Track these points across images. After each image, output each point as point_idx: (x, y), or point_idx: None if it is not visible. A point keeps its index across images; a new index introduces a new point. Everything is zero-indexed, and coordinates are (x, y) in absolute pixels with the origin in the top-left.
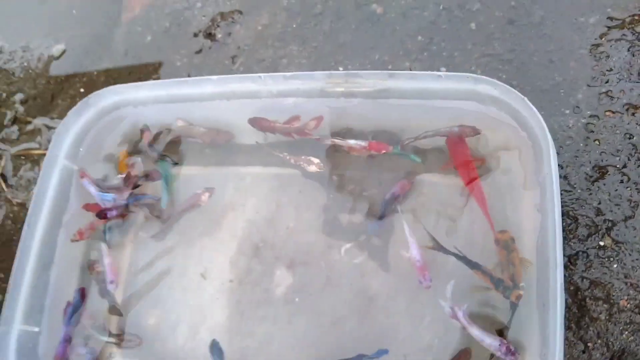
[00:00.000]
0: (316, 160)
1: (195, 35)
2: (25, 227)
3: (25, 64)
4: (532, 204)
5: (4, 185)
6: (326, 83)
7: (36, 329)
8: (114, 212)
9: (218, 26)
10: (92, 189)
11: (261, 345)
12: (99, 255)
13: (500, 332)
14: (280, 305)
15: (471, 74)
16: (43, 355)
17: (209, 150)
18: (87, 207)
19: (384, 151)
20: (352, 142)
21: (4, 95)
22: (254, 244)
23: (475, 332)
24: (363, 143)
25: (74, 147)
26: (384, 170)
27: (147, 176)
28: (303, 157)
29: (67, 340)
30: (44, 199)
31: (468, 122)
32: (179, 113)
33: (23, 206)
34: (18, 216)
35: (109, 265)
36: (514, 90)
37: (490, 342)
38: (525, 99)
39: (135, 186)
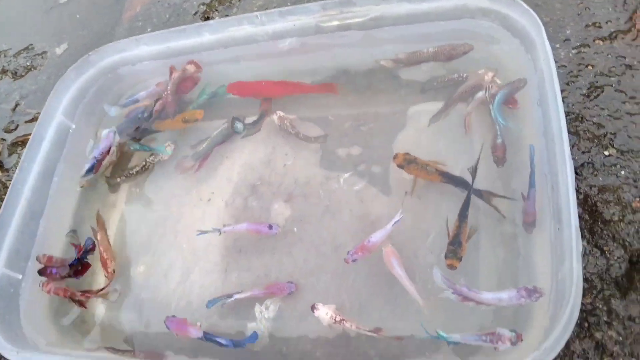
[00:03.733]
0: None
1: (194, 18)
2: (17, 171)
3: (28, 63)
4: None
5: None
6: (321, 16)
7: (19, 276)
8: None
9: (216, 10)
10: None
11: (258, 278)
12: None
13: None
14: (279, 237)
15: None
16: (24, 302)
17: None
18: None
19: None
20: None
21: (5, 94)
22: (251, 184)
23: (488, 296)
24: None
25: (72, 104)
26: (380, 104)
27: None
28: None
29: None
30: (39, 149)
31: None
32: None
33: None
34: None
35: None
36: None
37: (507, 296)
38: None
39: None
